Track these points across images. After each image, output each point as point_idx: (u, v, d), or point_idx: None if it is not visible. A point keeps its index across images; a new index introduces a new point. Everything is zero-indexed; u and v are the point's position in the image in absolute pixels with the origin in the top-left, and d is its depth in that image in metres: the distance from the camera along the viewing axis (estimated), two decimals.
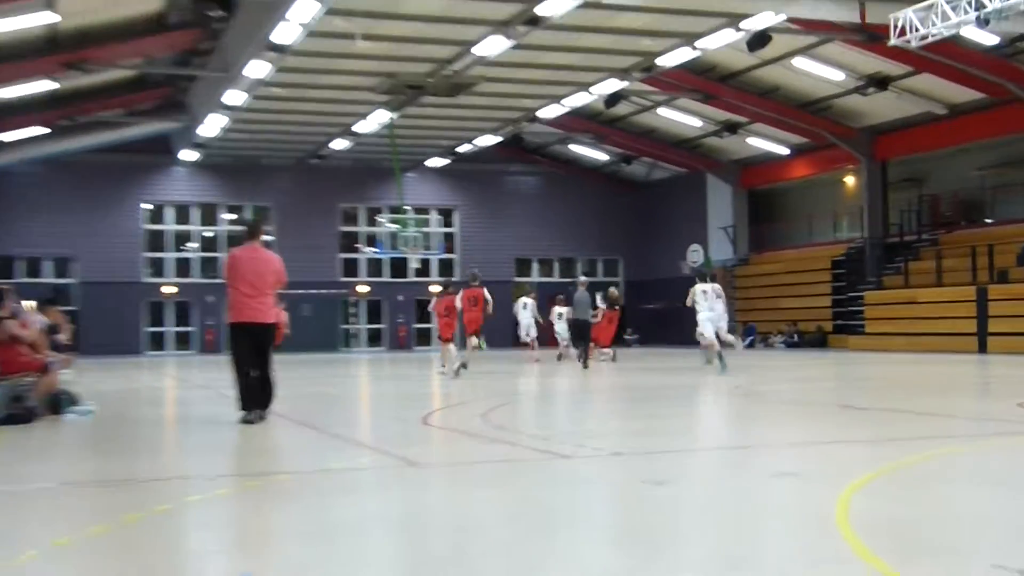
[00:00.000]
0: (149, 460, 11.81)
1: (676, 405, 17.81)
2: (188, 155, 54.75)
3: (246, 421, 14.76)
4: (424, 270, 57.85)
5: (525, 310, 41.18)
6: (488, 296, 30.00)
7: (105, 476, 10.36)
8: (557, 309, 40.41)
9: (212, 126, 47.56)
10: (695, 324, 30.13)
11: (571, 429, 14.22)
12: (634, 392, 21.99)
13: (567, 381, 25.92)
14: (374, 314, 60.41)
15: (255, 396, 15.06)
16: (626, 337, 57.80)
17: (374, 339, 60.08)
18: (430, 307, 34.71)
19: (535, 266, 63.17)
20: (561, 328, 39.64)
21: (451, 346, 30.00)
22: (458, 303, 29.56)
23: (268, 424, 14.73)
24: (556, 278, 61.63)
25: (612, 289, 38.90)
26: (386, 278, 58.91)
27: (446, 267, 60.40)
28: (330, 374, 31.15)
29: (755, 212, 57.31)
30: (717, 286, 31.19)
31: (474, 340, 30.52)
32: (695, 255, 57.63)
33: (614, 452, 11.41)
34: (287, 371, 33.27)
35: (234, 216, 57.57)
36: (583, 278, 37.90)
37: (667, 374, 28.57)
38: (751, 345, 52.54)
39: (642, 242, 63.74)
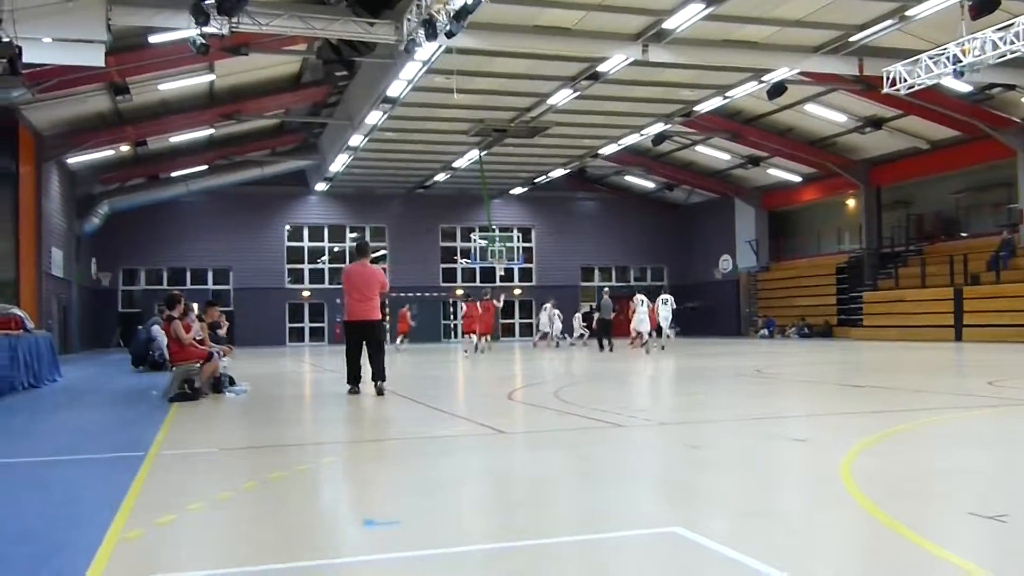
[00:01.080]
0: (291, 429, 11.82)
1: (708, 384, 17.61)
2: (320, 186, 54.80)
3: (353, 392, 15.83)
4: (508, 276, 57.60)
5: (543, 313, 44.61)
6: (498, 305, 40.05)
7: (256, 443, 10.41)
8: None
9: (338, 163, 47.48)
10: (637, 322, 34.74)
11: (625, 404, 14.12)
12: (675, 374, 21.79)
13: (619, 366, 25.82)
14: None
15: (369, 373, 15.98)
16: (667, 331, 57.39)
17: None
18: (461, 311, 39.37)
19: (596, 272, 62.82)
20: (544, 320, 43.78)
21: (471, 336, 37.18)
22: (479, 309, 37.41)
23: (384, 399, 14.85)
24: (614, 282, 61.29)
25: (606, 297, 38.89)
26: (478, 283, 58.95)
27: (526, 274, 60.26)
28: (434, 361, 31.23)
29: (774, 228, 56.81)
30: (670, 296, 37.34)
31: (483, 341, 37.98)
32: (725, 263, 57.65)
33: (660, 422, 11.37)
34: (404, 357, 33.60)
35: (355, 235, 57.87)
36: (607, 288, 41.61)
37: (697, 359, 28.40)
38: (770, 335, 52.21)
39: (683, 253, 63.10)
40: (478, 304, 38.15)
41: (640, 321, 34.78)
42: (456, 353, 36.71)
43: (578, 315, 46.55)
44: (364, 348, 16.22)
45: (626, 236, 62.77)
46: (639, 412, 12.63)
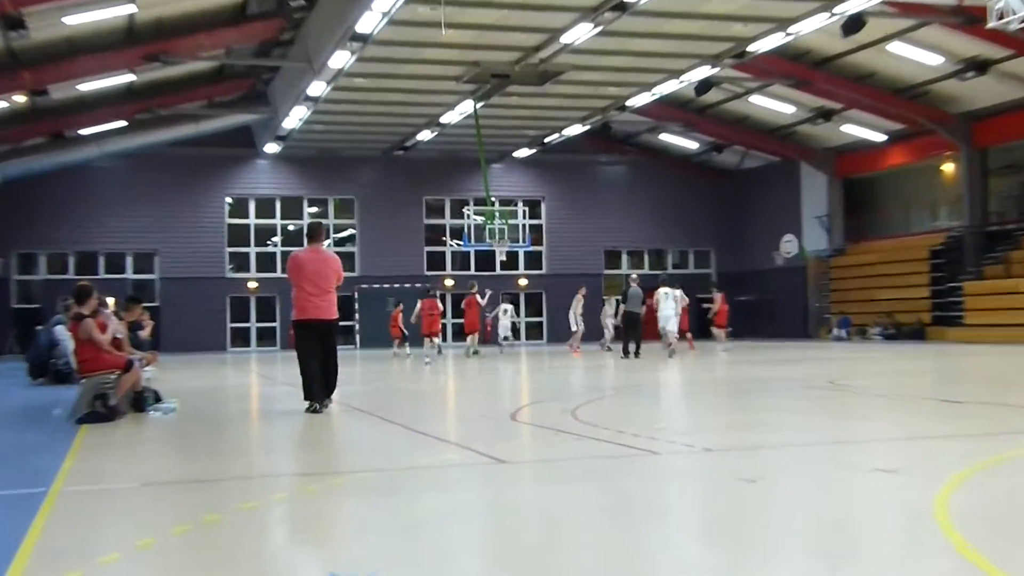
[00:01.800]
0: (233, 458, 11.85)
1: (764, 399, 17.66)
2: (270, 148, 54.92)
3: (312, 411, 16.03)
4: (511, 263, 57.53)
5: (505, 315, 47.23)
6: (482, 302, 41.81)
7: (189, 475, 10.44)
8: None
9: (294, 118, 47.55)
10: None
11: (660, 425, 14.15)
12: (721, 386, 21.85)
13: (652, 375, 25.83)
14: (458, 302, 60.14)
15: (321, 388, 16.31)
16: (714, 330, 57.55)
17: (458, 334, 59.78)
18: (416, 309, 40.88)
19: (624, 258, 62.95)
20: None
21: (433, 340, 38.58)
22: (440, 307, 39.79)
23: (353, 420, 14.95)
24: (646, 270, 61.22)
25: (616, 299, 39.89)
26: (472, 271, 58.83)
27: (534, 260, 60.48)
28: (416, 370, 31.20)
29: (850, 201, 56.75)
30: (676, 291, 38.00)
31: (470, 340, 40.52)
32: (789, 245, 57.55)
33: (705, 448, 11.37)
34: (371, 366, 33.56)
35: (315, 210, 57.91)
36: (635, 274, 41.09)
37: (752, 367, 28.38)
38: (846, 337, 52.20)
39: (734, 233, 63.41)
40: (437, 301, 40.28)
41: (667, 319, 36.03)
42: (431, 362, 36.70)
43: (607, 308, 45.98)
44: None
45: (662, 211, 63.00)
46: (678, 435, 12.67)
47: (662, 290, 36.50)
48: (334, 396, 16.72)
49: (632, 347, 35.67)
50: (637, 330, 36.08)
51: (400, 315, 42.59)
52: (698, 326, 47.86)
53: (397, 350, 42.11)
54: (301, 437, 13.66)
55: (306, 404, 16.20)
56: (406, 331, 42.29)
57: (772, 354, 36.77)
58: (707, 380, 23.89)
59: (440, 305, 41.64)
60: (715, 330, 41.81)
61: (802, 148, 56.42)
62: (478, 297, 41.44)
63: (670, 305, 36.43)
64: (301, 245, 18.43)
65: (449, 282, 58.46)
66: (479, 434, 13.66)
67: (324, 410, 16.02)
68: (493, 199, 49.23)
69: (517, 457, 11.33)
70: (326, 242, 19.31)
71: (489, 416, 16.22)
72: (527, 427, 14.46)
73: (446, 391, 22.93)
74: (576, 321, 43.26)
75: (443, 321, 54.23)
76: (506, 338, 46.00)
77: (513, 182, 60.40)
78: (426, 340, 38.91)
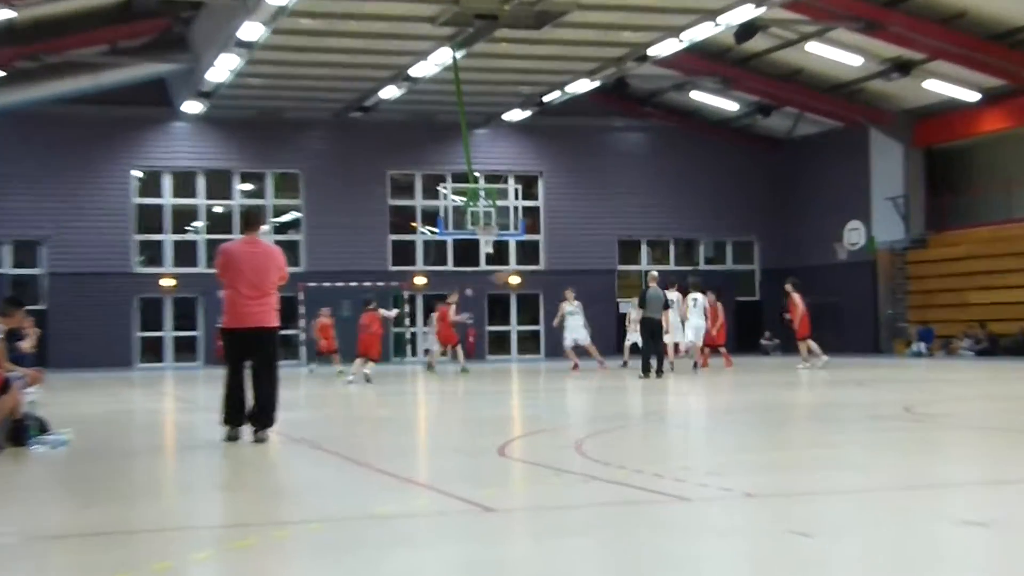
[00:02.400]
0: (142, 504, 11.77)
1: (821, 430, 17.78)
2: (191, 107, 55.12)
3: (231, 439, 16.51)
4: (499, 255, 57.15)
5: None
6: (454, 316, 43.10)
7: (85, 526, 10.34)
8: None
9: (222, 69, 47.53)
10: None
11: (687, 463, 14.25)
12: (769, 414, 21.87)
13: (678, 400, 25.95)
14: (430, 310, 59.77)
15: (241, 411, 16.61)
16: (763, 342, 57.72)
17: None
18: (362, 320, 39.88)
19: (644, 251, 63.02)
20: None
21: (365, 360, 37.81)
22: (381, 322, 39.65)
23: (298, 454, 15.06)
24: (671, 265, 61.28)
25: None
26: (450, 266, 58.84)
27: (529, 251, 60.62)
28: (385, 391, 31.25)
29: (934, 178, 56.76)
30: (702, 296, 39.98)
31: (452, 352, 43.38)
32: (854, 235, 57.51)
33: (745, 493, 11.39)
34: (321, 387, 33.55)
35: (249, 187, 57.89)
36: (654, 271, 40.86)
37: (806, 390, 28.39)
38: (927, 353, 52.24)
39: (784, 218, 63.42)
40: (378, 315, 39.99)
41: (697, 328, 37.87)
42: (420, 380, 36.76)
43: (632, 313, 45.40)
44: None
45: (692, 190, 62.93)
46: (712, 476, 12.66)
47: (692, 297, 36.77)
48: (275, 423, 16.71)
49: (653, 362, 35.73)
50: (658, 341, 36.44)
51: (330, 326, 42.78)
52: (736, 336, 47.85)
53: (343, 367, 42.11)
54: (231, 477, 13.67)
55: (224, 430, 16.37)
56: (334, 344, 42.49)
57: (833, 374, 36.71)
58: (748, 406, 23.93)
59: (381, 322, 41.03)
60: (806, 344, 41.28)
61: (872, 110, 56.51)
62: (451, 311, 41.51)
63: (697, 313, 36.71)
64: (229, 232, 18.49)
65: (420, 280, 58.45)
66: (459, 474, 13.67)
67: (262, 442, 16.07)
68: (477, 174, 49.31)
69: (507, 503, 11.30)
70: (264, 228, 19.43)
71: (471, 451, 16.23)
72: (519, 465, 14.53)
73: (417, 419, 22.96)
74: (573, 333, 43.39)
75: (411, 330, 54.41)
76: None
77: (503, 153, 60.68)
78: (358, 360, 38.55)
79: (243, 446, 16.04)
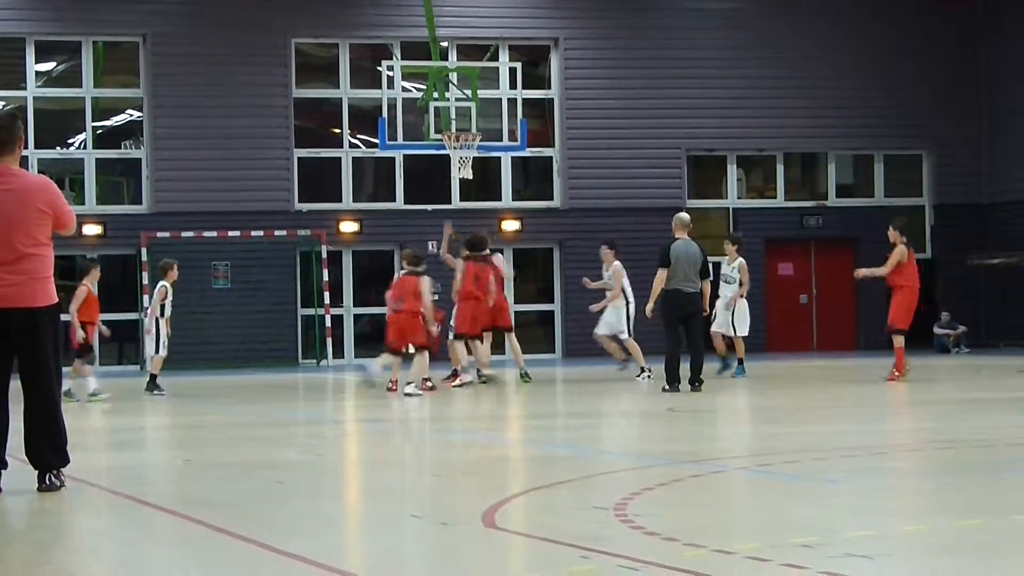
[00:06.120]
0: None
1: (986, 482, 13.88)
2: None
3: None
4: (482, 183, 44.03)
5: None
6: (503, 272, 31.49)
7: None
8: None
9: None
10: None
11: (798, 536, 10.36)
12: (894, 452, 17.02)
13: (767, 428, 21.57)
14: (374, 280, 44.53)
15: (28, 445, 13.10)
16: (937, 330, 45.39)
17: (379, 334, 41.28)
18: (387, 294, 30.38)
19: (732, 172, 47.07)
20: None
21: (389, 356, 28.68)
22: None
23: (125, 521, 11.95)
24: (780, 199, 46.98)
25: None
26: (399, 203, 44.30)
27: (539, 179, 47.16)
28: (285, 421, 25.24)
29: None
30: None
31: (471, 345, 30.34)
32: None
33: None
34: (185, 403, 28.50)
35: (53, 64, 44.94)
36: (685, 215, 30.42)
37: (977, 411, 23.19)
38: None
39: (976, 119, 47.30)
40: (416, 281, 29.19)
41: (743, 317, 30.75)
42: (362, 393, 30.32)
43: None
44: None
45: (815, 71, 45.99)
46: (836, 556, 9.26)
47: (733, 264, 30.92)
48: (69, 464, 13.01)
49: (689, 365, 28.40)
50: (694, 329, 28.27)
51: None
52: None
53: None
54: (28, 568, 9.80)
55: None
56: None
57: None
58: (887, 432, 19.88)
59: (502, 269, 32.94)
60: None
61: None
62: (424, 284, 29.27)
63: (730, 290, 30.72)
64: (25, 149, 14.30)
65: (349, 226, 44.31)
66: (419, 562, 9.96)
67: (52, 490, 12.66)
68: (444, 44, 41.25)
69: None
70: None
71: (438, 517, 11.89)
72: (521, 543, 10.64)
73: (343, 462, 18.39)
74: (618, 316, 32.69)
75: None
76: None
77: (491, 5, 45.60)
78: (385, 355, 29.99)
79: (9, 498, 12.63)
